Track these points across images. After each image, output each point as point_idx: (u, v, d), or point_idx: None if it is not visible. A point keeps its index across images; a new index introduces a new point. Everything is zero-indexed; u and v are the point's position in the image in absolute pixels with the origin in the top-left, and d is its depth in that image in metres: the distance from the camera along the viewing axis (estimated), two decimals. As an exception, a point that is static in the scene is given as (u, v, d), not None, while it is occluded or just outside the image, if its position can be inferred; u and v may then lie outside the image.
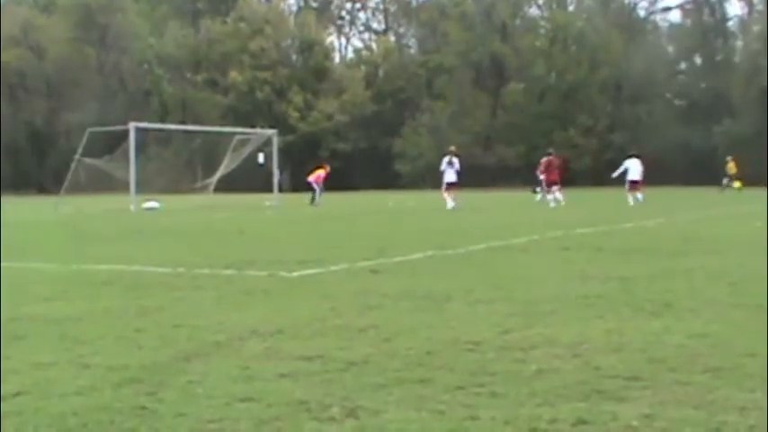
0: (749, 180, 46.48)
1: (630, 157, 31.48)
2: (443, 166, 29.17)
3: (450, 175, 28.83)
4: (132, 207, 30.51)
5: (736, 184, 44.91)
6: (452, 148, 31.12)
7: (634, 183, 30.41)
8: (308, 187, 36.47)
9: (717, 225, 17.54)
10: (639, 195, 29.85)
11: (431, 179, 33.40)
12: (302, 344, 5.53)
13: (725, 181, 45.86)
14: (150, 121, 56.70)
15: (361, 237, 16.19)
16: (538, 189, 35.39)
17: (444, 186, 28.99)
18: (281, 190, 39.81)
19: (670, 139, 63.47)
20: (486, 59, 73.75)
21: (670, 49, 76.10)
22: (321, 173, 36.63)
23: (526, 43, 73.79)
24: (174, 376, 4.70)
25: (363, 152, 72.09)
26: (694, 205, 29.10)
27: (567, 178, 32.40)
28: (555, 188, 30.10)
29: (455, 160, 29.09)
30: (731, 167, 46.47)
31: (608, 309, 6.79)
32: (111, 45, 76.22)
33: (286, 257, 11.38)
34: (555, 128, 67.28)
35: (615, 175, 31.68)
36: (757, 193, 35.92)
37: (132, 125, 34.07)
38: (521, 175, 58.69)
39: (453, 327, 6.09)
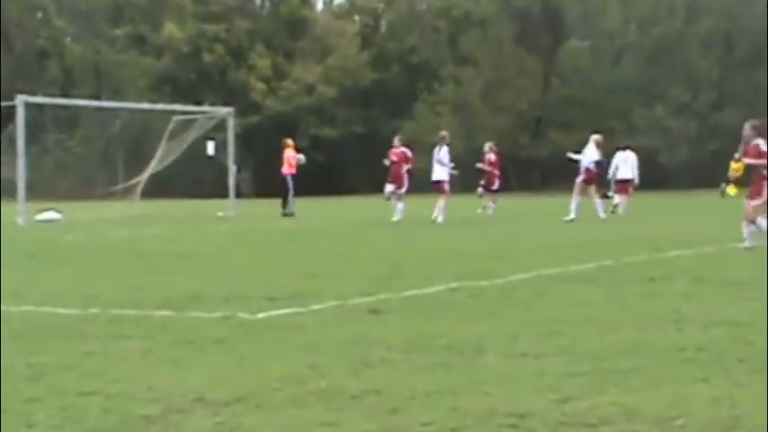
0: None
1: (622, 149, 33.91)
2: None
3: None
4: (21, 219, 30.52)
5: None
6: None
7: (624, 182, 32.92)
8: (282, 185, 34.67)
9: None
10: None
11: (458, 178, 33.55)
12: (270, 417, 5.51)
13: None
14: (47, 94, 56.75)
15: (357, 261, 16.18)
16: (610, 193, 35.59)
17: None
18: (239, 195, 39.72)
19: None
20: (536, 6, 73.92)
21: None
22: (289, 155, 34.75)
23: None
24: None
25: (359, 140, 72.13)
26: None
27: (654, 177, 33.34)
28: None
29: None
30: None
31: (714, 367, 6.77)
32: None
33: (248, 292, 11.40)
34: (634, 104, 67.20)
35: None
36: None
37: (21, 99, 34.07)
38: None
39: (489, 392, 6.07)
